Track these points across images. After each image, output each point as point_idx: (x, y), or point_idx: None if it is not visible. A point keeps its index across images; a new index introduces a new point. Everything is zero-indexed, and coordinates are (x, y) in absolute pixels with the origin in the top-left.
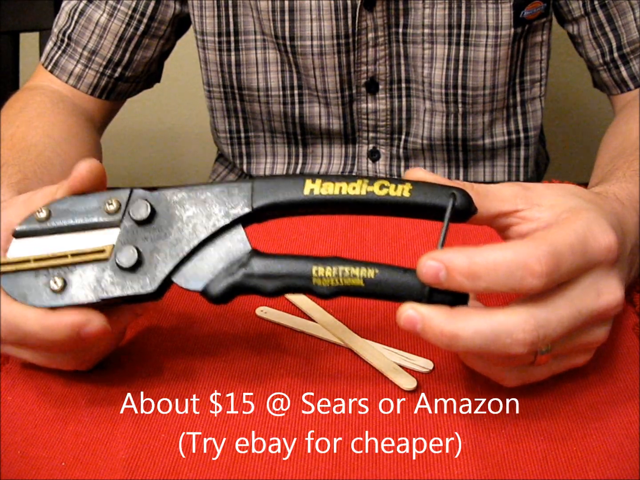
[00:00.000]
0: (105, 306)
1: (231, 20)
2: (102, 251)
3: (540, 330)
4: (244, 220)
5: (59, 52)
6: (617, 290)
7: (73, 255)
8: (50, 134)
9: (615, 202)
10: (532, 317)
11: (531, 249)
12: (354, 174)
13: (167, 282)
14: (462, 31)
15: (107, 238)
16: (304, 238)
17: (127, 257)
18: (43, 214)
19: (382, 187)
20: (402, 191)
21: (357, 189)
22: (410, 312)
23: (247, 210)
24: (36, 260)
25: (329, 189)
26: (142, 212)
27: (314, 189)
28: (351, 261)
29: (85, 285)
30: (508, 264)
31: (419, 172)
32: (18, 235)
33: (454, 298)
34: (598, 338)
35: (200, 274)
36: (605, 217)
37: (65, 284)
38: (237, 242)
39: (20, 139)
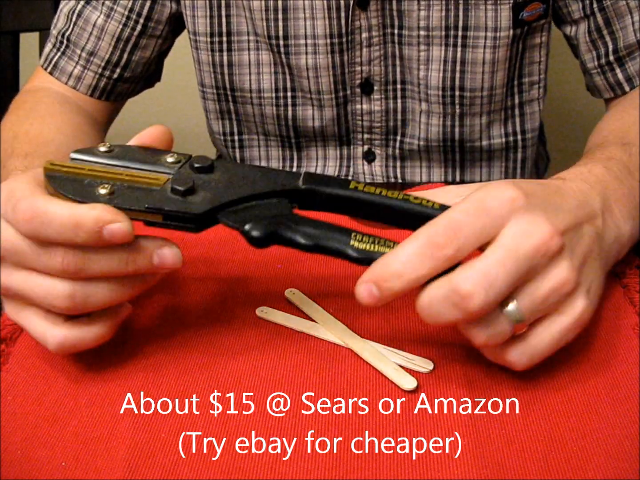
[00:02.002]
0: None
1: (223, 20)
2: (156, 179)
3: (485, 278)
4: (291, 195)
5: (58, 53)
6: (543, 225)
7: (128, 175)
8: (63, 132)
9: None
10: (473, 269)
11: (431, 227)
12: (349, 176)
13: (212, 217)
14: (460, 33)
15: (162, 174)
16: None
17: (182, 183)
18: (104, 148)
19: (415, 197)
20: (433, 205)
21: (394, 194)
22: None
23: (299, 185)
24: (90, 170)
25: (371, 190)
26: (204, 161)
27: (357, 186)
28: (375, 236)
29: (133, 198)
30: (417, 252)
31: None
32: (74, 159)
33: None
34: (561, 277)
35: (245, 217)
36: (504, 183)
37: (113, 192)
38: (283, 204)
39: (37, 134)
